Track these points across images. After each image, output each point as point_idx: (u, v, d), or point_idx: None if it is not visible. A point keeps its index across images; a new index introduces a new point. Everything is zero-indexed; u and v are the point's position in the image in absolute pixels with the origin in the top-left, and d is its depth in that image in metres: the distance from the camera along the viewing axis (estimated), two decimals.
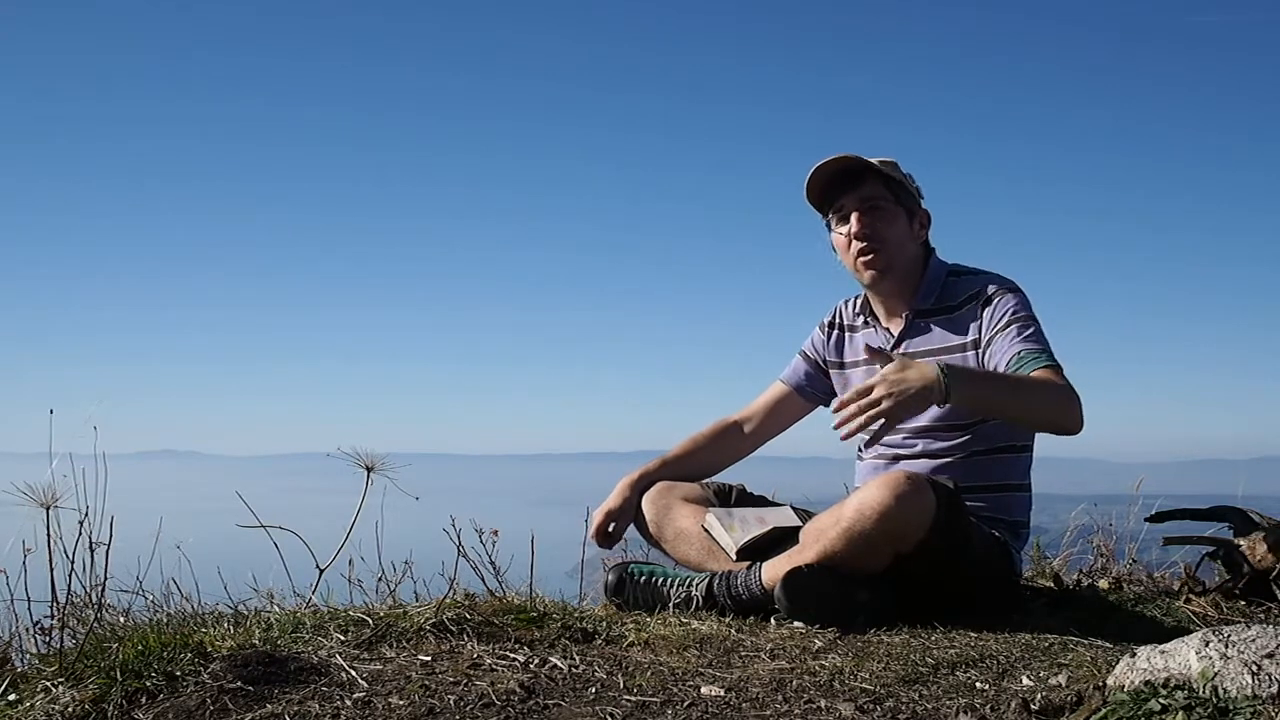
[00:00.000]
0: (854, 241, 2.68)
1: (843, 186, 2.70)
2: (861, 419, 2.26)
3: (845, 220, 2.71)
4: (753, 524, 2.60)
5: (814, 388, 2.93)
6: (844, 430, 2.29)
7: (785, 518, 2.67)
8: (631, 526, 2.84)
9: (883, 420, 2.26)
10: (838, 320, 2.92)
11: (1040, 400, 2.39)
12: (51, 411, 1.95)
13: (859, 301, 2.86)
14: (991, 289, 2.61)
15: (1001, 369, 2.49)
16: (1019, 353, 2.47)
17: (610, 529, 2.80)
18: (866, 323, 2.82)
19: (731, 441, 2.94)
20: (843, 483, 2.94)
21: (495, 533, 2.61)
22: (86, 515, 1.92)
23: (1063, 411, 2.39)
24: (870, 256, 2.67)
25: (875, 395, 2.25)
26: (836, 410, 2.32)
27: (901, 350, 2.69)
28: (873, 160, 2.66)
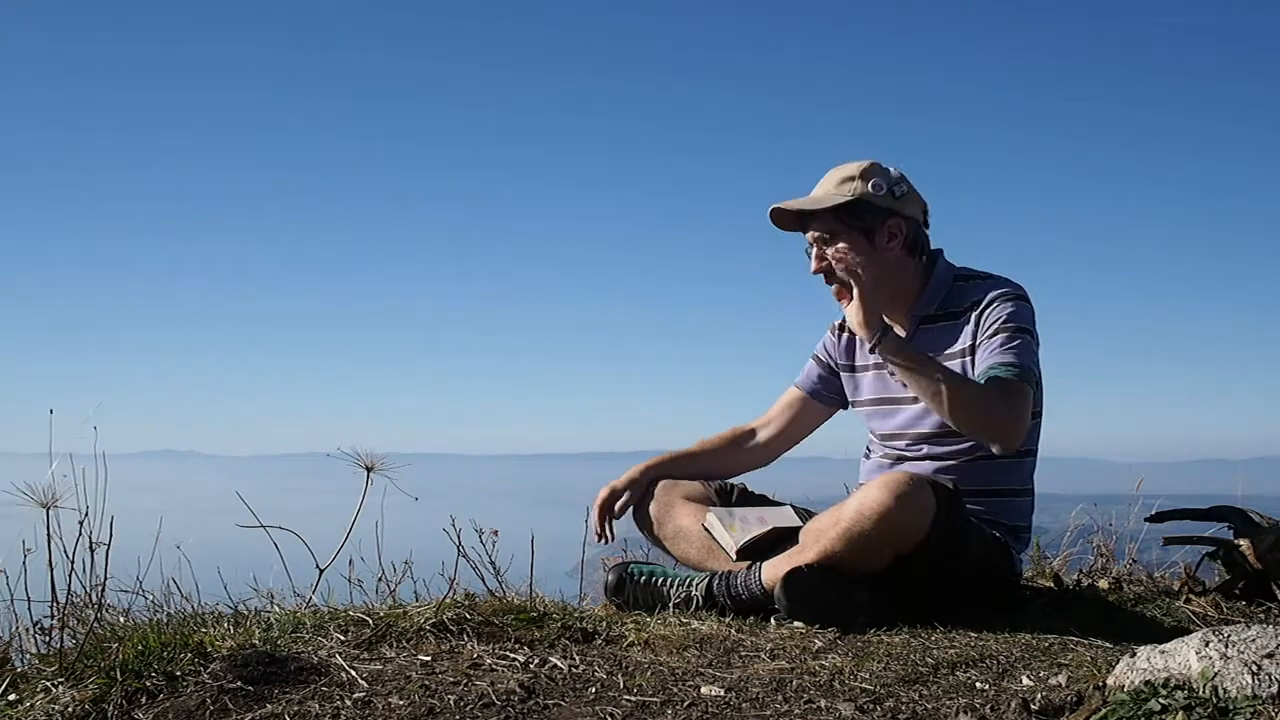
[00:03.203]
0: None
1: (798, 226, 2.68)
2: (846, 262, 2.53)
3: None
4: (753, 524, 2.60)
5: (828, 391, 2.89)
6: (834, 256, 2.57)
7: (785, 518, 2.66)
8: (631, 526, 2.83)
9: (857, 277, 2.51)
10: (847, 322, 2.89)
11: (967, 403, 2.38)
12: (51, 411, 1.96)
13: None
14: (992, 296, 2.56)
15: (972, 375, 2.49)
16: (992, 364, 2.46)
17: (616, 506, 2.78)
18: None
19: (745, 451, 2.92)
20: (843, 483, 2.93)
21: (495, 533, 2.62)
22: (86, 515, 1.92)
23: (988, 423, 2.40)
24: (835, 288, 2.66)
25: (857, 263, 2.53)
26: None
27: None
28: (805, 200, 2.61)
